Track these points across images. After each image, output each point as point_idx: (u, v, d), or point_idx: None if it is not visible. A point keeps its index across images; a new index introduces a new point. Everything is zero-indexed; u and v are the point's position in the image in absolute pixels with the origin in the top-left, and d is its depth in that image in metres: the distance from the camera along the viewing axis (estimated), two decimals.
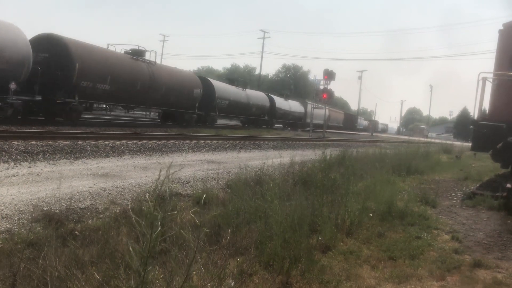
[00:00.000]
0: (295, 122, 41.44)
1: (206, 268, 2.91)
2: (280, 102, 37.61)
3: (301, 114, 42.55)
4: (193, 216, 2.69)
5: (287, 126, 40.50)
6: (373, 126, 79.19)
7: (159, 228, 2.09)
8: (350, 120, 63.67)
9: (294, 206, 4.30)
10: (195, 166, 9.13)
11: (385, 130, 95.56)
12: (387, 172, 9.38)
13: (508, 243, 5.01)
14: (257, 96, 33.95)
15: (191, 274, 2.46)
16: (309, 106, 40.86)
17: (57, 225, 4.09)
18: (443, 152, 19.77)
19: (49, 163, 7.54)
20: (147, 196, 2.14)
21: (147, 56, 21.08)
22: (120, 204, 5.23)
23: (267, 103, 34.76)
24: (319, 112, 40.54)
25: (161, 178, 2.22)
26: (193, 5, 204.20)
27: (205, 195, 5.37)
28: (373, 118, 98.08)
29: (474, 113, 8.95)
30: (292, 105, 40.69)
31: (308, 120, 40.00)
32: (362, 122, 79.46)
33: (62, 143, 9.88)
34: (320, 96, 29.29)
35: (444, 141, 32.80)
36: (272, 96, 36.88)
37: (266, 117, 34.86)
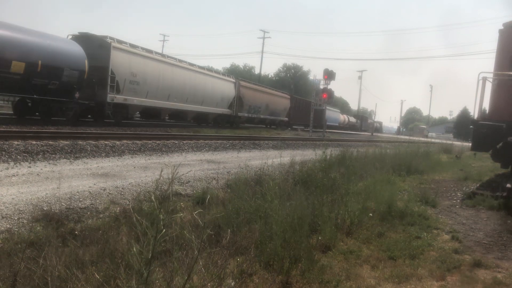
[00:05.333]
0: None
1: (206, 268, 2.91)
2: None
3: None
4: (195, 216, 2.69)
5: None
6: (362, 123, 66.72)
7: (163, 231, 2.09)
8: (306, 110, 36.32)
9: (294, 206, 4.30)
10: (195, 166, 9.13)
11: (379, 129, 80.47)
12: (387, 172, 9.39)
13: (508, 243, 5.01)
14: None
15: (192, 275, 2.46)
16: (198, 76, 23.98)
17: (57, 225, 4.10)
18: (443, 152, 19.78)
19: (49, 163, 7.54)
20: (152, 197, 2.14)
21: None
22: (120, 204, 5.23)
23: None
24: (211, 89, 24.05)
25: (162, 178, 2.22)
26: (193, 5, 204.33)
27: (205, 196, 5.37)
28: (372, 117, 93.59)
29: (474, 113, 8.94)
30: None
31: (193, 107, 23.54)
32: (334, 116, 52.07)
33: (62, 143, 9.88)
34: (320, 96, 29.25)
35: (444, 141, 32.77)
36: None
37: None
